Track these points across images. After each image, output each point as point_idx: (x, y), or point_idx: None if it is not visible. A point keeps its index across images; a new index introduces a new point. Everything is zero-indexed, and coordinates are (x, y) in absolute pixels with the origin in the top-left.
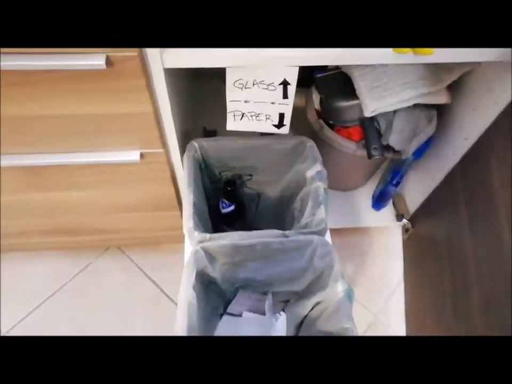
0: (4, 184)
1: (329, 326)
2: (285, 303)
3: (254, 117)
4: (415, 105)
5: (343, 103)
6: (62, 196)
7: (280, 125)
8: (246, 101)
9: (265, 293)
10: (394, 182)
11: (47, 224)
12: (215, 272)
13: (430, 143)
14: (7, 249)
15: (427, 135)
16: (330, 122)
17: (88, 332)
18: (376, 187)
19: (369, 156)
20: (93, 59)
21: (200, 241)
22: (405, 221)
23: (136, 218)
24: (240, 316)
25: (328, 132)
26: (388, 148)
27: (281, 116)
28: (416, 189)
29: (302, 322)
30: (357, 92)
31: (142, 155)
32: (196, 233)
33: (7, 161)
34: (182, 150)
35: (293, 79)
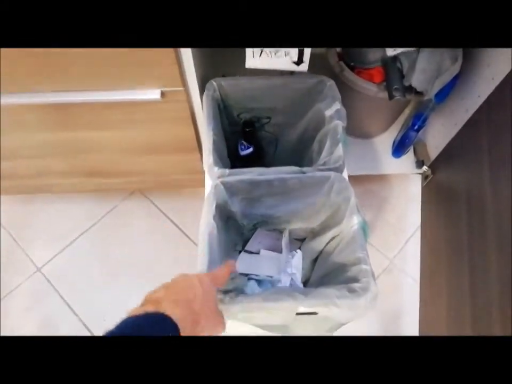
0: (31, 122)
1: (343, 257)
2: (301, 241)
3: (272, 53)
4: None
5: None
6: (86, 135)
7: (299, 61)
8: None
9: (282, 231)
10: (416, 127)
11: (73, 165)
12: (234, 207)
13: (453, 86)
14: (39, 191)
15: (451, 75)
16: (352, 64)
17: (116, 267)
18: (398, 134)
19: (390, 96)
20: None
21: (220, 176)
22: (425, 167)
23: (158, 161)
24: (258, 253)
25: (349, 74)
26: (411, 89)
27: (301, 52)
28: (438, 134)
29: (317, 257)
30: None
31: (163, 93)
32: (216, 168)
33: (32, 98)
34: (202, 91)
35: None
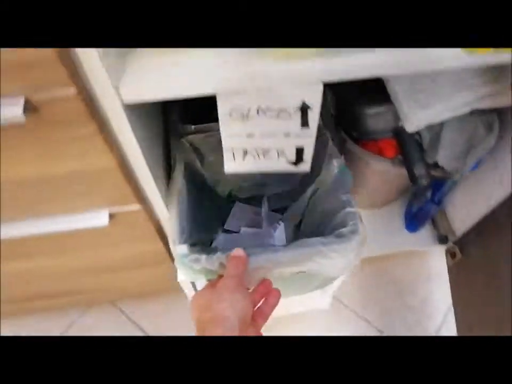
0: None
1: (326, 207)
2: (281, 214)
3: (261, 154)
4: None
5: (370, 110)
6: (31, 265)
7: (298, 161)
8: (249, 135)
9: (261, 202)
10: (436, 199)
11: (24, 291)
12: (204, 168)
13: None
14: None
15: (487, 148)
16: (354, 134)
17: None
18: (410, 203)
19: (414, 182)
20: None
21: (185, 134)
22: (450, 244)
23: (121, 278)
24: (238, 232)
25: (352, 147)
26: (435, 165)
27: (299, 151)
28: (464, 205)
29: (300, 221)
30: (392, 98)
31: (112, 216)
32: (180, 125)
33: None
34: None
35: (315, 101)
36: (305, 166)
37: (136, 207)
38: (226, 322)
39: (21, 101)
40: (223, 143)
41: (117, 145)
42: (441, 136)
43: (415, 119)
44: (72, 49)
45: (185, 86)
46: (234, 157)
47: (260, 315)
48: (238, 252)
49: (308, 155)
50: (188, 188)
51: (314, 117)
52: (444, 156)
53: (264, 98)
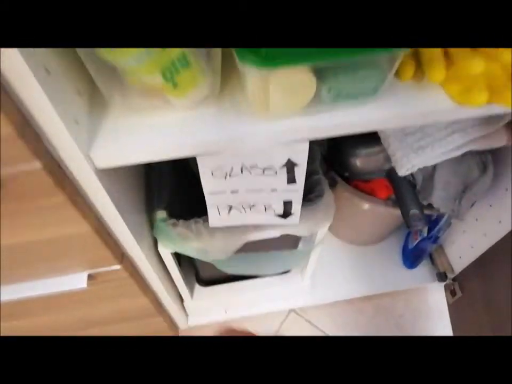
0: None
1: None
2: None
3: (247, 209)
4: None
5: (361, 150)
6: (22, 323)
7: (286, 214)
8: (233, 191)
9: None
10: (432, 237)
11: None
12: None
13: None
14: None
15: (483, 188)
16: (346, 175)
17: None
18: (406, 240)
19: (410, 225)
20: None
21: None
22: (449, 281)
23: (112, 330)
24: None
25: (344, 187)
26: (430, 206)
27: (287, 204)
28: (462, 242)
29: None
30: (382, 142)
31: (91, 277)
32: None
33: None
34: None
35: (301, 158)
36: (294, 219)
37: (116, 267)
38: None
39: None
40: (206, 200)
41: (93, 210)
42: (434, 177)
43: (406, 163)
44: (35, 122)
45: (161, 149)
46: (219, 212)
47: None
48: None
49: (297, 208)
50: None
51: (301, 173)
52: (439, 198)
53: (248, 157)
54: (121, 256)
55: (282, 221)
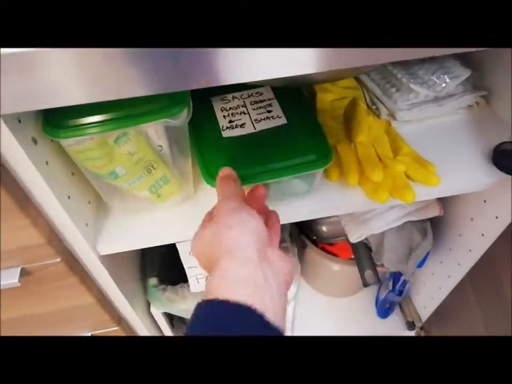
0: None
1: None
2: None
3: None
4: None
5: (326, 219)
6: None
7: None
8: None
9: None
10: (396, 290)
11: None
12: None
13: (430, 252)
14: None
15: (425, 250)
16: (314, 238)
17: None
18: (378, 291)
19: (365, 283)
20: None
21: None
22: (417, 329)
23: None
24: None
25: (313, 249)
26: (383, 265)
27: None
28: (424, 292)
29: None
30: (338, 216)
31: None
32: None
33: None
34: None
35: None
36: None
37: (115, 328)
38: (243, 252)
39: (18, 271)
40: (186, 272)
41: (96, 285)
42: (384, 242)
43: (355, 232)
44: (59, 231)
45: (150, 238)
46: (198, 281)
47: (271, 229)
48: (225, 171)
49: None
50: None
51: None
52: (389, 259)
53: None
54: (119, 319)
55: None
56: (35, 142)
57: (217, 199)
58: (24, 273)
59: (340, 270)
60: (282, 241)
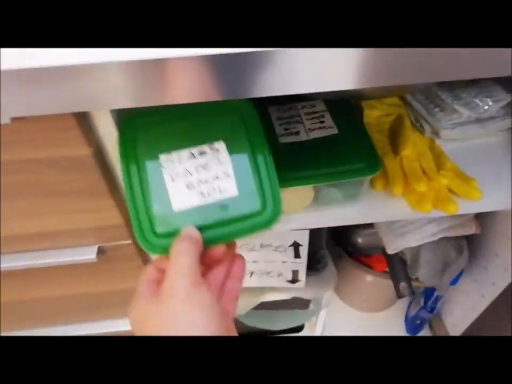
0: None
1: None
2: None
3: (264, 274)
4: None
5: (362, 231)
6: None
7: (294, 280)
8: (254, 261)
9: None
10: (428, 307)
11: None
12: None
13: (464, 270)
14: None
15: (460, 267)
16: (349, 249)
17: None
18: (408, 308)
19: (399, 295)
20: (84, 253)
21: None
22: None
23: None
24: None
25: (348, 261)
26: (418, 279)
27: (295, 272)
28: (455, 311)
29: None
30: (375, 227)
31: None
32: None
33: None
34: None
35: (304, 240)
36: (301, 284)
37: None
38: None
39: (95, 248)
40: None
41: None
42: (419, 256)
43: (393, 244)
44: None
45: None
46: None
47: (229, 300)
48: (189, 230)
49: (302, 276)
50: None
51: (304, 250)
52: (423, 274)
53: (266, 238)
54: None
55: (291, 285)
56: None
57: (171, 267)
58: (100, 251)
59: (373, 282)
60: (320, 248)
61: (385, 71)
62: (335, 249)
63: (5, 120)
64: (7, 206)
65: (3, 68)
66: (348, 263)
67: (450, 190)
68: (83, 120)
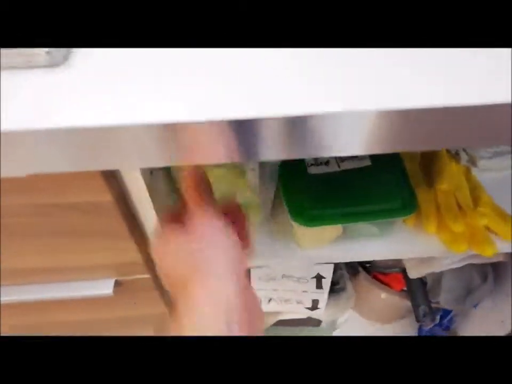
0: None
1: None
2: None
3: (283, 302)
4: None
5: None
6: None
7: (314, 307)
8: (273, 289)
9: None
10: (444, 325)
11: None
12: None
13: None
14: None
15: (484, 295)
16: (367, 265)
17: None
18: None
19: (418, 319)
20: (100, 287)
21: None
22: None
23: None
24: None
25: (365, 277)
26: (439, 303)
27: (315, 301)
28: (474, 333)
29: None
30: None
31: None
32: None
33: None
34: None
35: (328, 273)
36: (320, 312)
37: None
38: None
39: (112, 282)
40: None
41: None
42: (442, 281)
43: (416, 269)
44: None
45: None
46: (261, 301)
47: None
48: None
49: (322, 304)
50: None
51: (327, 282)
52: (445, 299)
53: (288, 269)
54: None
55: (310, 312)
56: (151, 173)
57: (192, 206)
58: (117, 284)
59: (390, 301)
60: (339, 268)
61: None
62: (352, 264)
63: (22, 174)
64: (26, 243)
65: (18, 128)
66: (365, 280)
67: (487, 228)
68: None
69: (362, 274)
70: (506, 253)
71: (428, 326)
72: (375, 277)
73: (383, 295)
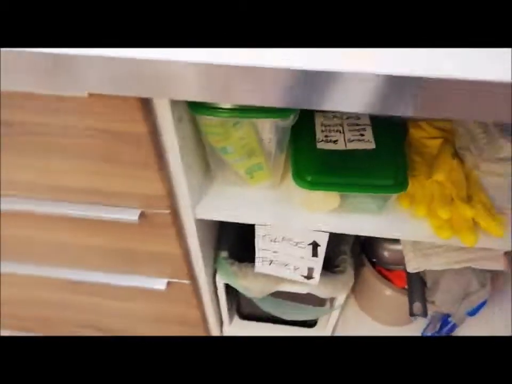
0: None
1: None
2: None
3: (282, 265)
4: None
5: (389, 245)
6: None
7: (309, 276)
8: (275, 252)
9: None
10: (443, 333)
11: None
12: None
13: (486, 303)
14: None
15: (479, 300)
16: (373, 260)
17: None
18: (425, 330)
19: (411, 313)
20: (128, 213)
21: None
22: None
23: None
24: None
25: (370, 271)
26: (434, 303)
27: (310, 270)
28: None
29: None
30: (401, 243)
31: (169, 283)
32: None
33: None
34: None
35: (322, 242)
36: (314, 281)
37: (186, 281)
38: None
39: (138, 212)
40: (256, 253)
41: (186, 241)
42: (440, 281)
43: (414, 263)
44: (175, 191)
45: (238, 215)
46: (262, 263)
47: None
48: None
49: (316, 274)
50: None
51: (322, 250)
52: (441, 299)
53: (288, 233)
54: (191, 275)
55: (305, 280)
56: (180, 120)
57: None
58: (141, 215)
59: (391, 297)
60: (343, 253)
61: None
62: (359, 256)
63: (83, 93)
64: (68, 163)
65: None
66: (369, 273)
67: (476, 223)
68: (146, 103)
69: (367, 267)
70: (508, 263)
71: (430, 332)
72: (379, 272)
73: (387, 291)
